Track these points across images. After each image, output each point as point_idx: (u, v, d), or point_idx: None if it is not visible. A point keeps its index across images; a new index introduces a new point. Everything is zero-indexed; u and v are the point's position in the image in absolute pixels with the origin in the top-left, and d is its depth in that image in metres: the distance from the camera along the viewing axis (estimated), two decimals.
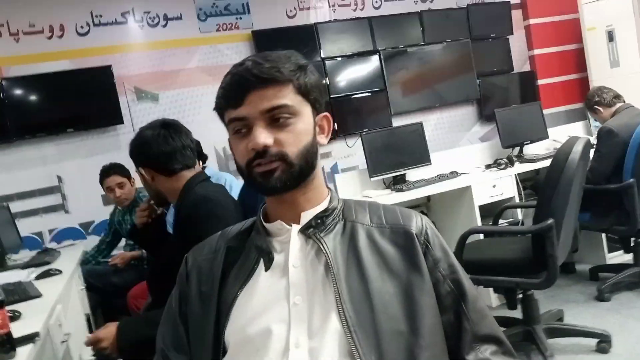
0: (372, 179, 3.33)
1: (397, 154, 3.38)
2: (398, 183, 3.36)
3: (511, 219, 3.19)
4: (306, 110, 0.88)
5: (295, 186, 0.87)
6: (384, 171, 3.35)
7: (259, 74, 0.83)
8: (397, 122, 4.63)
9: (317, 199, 0.91)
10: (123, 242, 3.56)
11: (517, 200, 3.20)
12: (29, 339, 1.42)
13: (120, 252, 3.41)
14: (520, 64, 5.26)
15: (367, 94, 4.67)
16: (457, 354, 0.86)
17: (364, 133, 3.43)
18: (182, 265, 0.98)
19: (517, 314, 2.63)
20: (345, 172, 4.31)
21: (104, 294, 3.14)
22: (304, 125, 0.87)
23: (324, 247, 0.86)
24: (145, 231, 1.84)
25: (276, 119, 0.84)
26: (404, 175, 3.43)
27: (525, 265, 2.28)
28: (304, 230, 0.88)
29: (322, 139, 0.92)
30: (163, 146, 1.59)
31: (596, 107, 3.24)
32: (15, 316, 1.65)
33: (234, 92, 0.85)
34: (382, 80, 4.69)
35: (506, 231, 2.83)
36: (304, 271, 0.86)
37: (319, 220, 0.89)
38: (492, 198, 3.13)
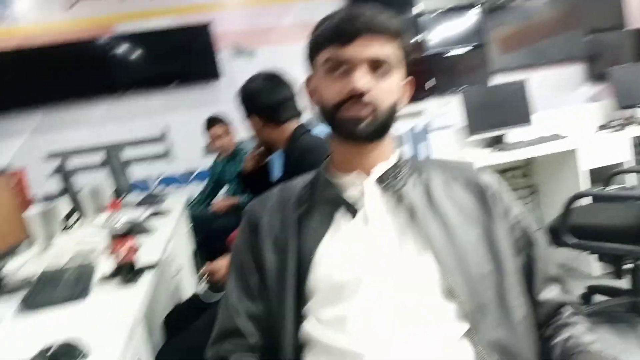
0: (469, 139, 3.22)
1: (497, 113, 3.23)
2: (497, 143, 3.23)
3: (623, 185, 2.97)
4: (400, 69, 0.89)
5: (378, 137, 0.88)
6: (482, 130, 3.22)
7: (374, 20, 0.84)
8: (496, 79, 4.42)
9: (388, 154, 0.93)
10: (224, 189, 3.75)
11: (633, 165, 2.97)
12: (151, 267, 1.55)
13: (222, 199, 3.59)
14: (635, 20, 4.77)
15: (464, 51, 4.47)
16: (530, 294, 0.89)
17: (463, 89, 3.30)
18: (245, 218, 0.98)
19: (622, 284, 2.48)
20: (438, 131, 4.20)
21: (205, 237, 3.34)
22: (396, 82, 0.89)
23: (404, 196, 0.88)
24: (250, 176, 1.93)
25: (377, 68, 0.85)
26: (501, 136, 3.29)
27: (637, 232, 2.13)
28: (380, 182, 0.90)
29: (403, 101, 0.93)
30: (272, 96, 1.68)
31: None
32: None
33: (347, 30, 0.84)
34: (481, 36, 4.46)
35: (620, 196, 2.64)
36: (386, 220, 0.87)
37: (393, 173, 0.91)
38: (601, 162, 2.92)
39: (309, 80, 0.96)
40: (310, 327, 0.84)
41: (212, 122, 3.44)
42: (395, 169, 0.91)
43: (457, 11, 4.45)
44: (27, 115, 4.00)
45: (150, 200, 3.18)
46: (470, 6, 4.44)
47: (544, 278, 0.90)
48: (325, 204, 0.91)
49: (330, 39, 0.86)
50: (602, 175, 2.82)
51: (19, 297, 1.38)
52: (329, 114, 0.88)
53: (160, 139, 4.19)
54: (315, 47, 0.89)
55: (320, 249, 0.87)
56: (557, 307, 0.90)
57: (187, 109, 4.15)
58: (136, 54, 4.08)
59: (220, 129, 3.41)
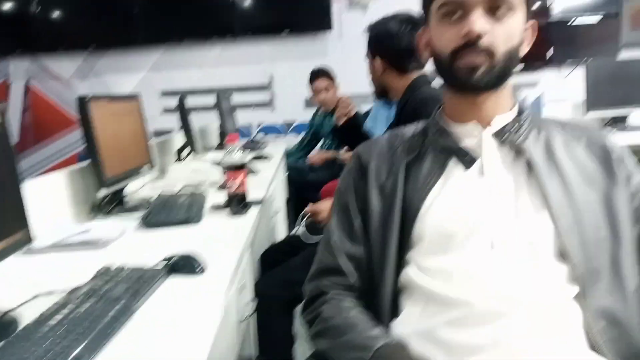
0: (587, 116, 3.00)
1: (624, 90, 2.97)
2: (616, 123, 2.98)
3: None
4: (522, 10, 0.82)
5: (495, 86, 0.83)
6: (604, 106, 2.98)
7: None
8: (625, 55, 4.03)
9: (507, 106, 0.87)
10: (321, 142, 3.81)
11: None
12: (257, 202, 1.63)
13: (318, 152, 3.66)
14: None
15: (592, 20, 4.10)
16: None
17: (589, 60, 3.06)
18: (354, 160, 0.96)
19: None
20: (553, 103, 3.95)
21: (300, 187, 3.43)
22: (518, 25, 0.82)
23: (524, 151, 0.84)
24: (345, 128, 1.92)
25: (496, 7, 0.79)
26: (625, 116, 3.03)
27: None
28: (498, 134, 0.86)
29: (524, 47, 0.86)
30: (405, 42, 1.59)
31: None
32: None
33: None
34: (616, 4, 4.06)
35: None
36: (503, 173, 0.84)
37: (514, 125, 0.86)
38: None
39: (422, 32, 0.91)
40: (412, 274, 0.84)
41: (317, 74, 3.44)
42: (515, 122, 0.86)
43: None
44: (147, 53, 4.26)
45: (252, 145, 3.30)
46: None
47: None
48: (439, 152, 0.89)
49: None
50: None
51: (138, 215, 1.50)
52: (444, 63, 0.84)
53: (265, 87, 4.30)
54: None
55: (430, 198, 0.85)
56: None
57: (293, 59, 4.21)
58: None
59: (324, 82, 3.41)
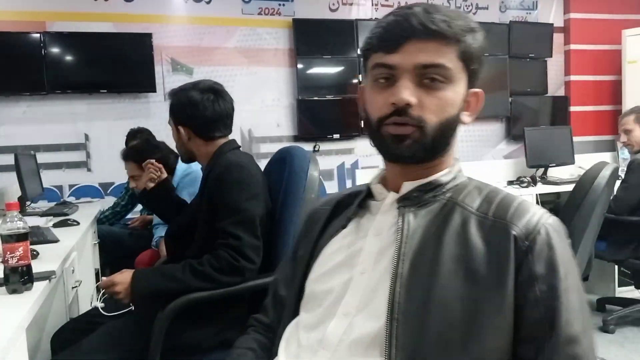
0: None
1: None
2: None
3: None
4: (461, 79, 0.77)
5: (423, 160, 0.78)
6: None
7: (425, 22, 0.73)
8: None
9: (431, 172, 0.80)
10: (139, 207, 3.61)
11: None
12: (46, 277, 1.45)
13: (141, 215, 3.46)
14: (554, 88, 5.21)
15: None
16: None
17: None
18: (305, 212, 1.05)
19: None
20: (365, 169, 4.33)
21: (114, 254, 3.19)
22: (453, 95, 0.76)
23: (400, 224, 0.77)
24: (152, 194, 1.86)
25: (427, 78, 0.74)
26: None
27: None
28: (399, 201, 0.80)
29: (466, 117, 0.80)
30: (209, 111, 1.59)
31: None
32: (33, 255, 1.69)
33: (393, 35, 0.74)
34: None
35: None
36: (380, 242, 0.79)
37: (415, 194, 0.79)
38: None
39: (362, 90, 0.85)
40: (290, 326, 0.87)
41: (135, 135, 3.31)
42: (422, 189, 0.79)
43: None
44: None
45: (60, 209, 3.00)
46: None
47: None
48: (352, 209, 0.88)
49: (378, 43, 0.77)
50: None
51: None
52: (372, 128, 0.78)
53: (79, 146, 4.00)
54: (365, 53, 0.80)
55: (320, 255, 0.87)
56: None
57: (112, 119, 4.00)
58: (67, 54, 3.91)
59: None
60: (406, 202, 0.79)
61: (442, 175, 0.80)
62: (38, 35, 3.79)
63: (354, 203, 0.88)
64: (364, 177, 3.48)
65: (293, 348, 0.82)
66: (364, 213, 0.86)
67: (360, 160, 4.62)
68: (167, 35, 4.14)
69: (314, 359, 0.77)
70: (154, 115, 4.01)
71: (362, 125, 4.50)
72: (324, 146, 4.50)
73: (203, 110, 1.59)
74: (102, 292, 1.56)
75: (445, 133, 0.77)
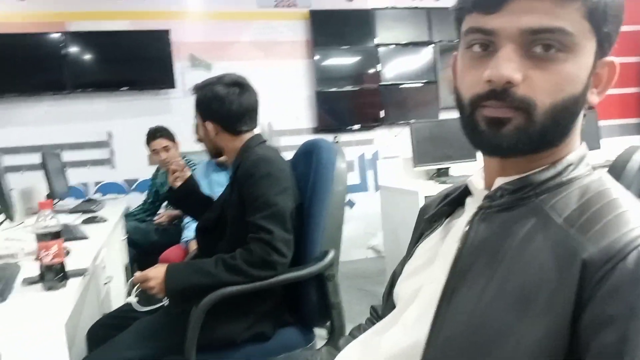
0: (415, 169, 3.30)
1: (443, 147, 3.34)
2: (441, 175, 3.33)
3: None
4: (588, 46, 0.58)
5: (532, 150, 0.61)
6: (428, 162, 3.32)
7: None
8: (444, 116, 4.57)
9: (535, 166, 0.63)
10: (165, 202, 3.64)
11: None
12: (79, 273, 1.47)
13: (166, 211, 3.49)
14: None
15: (417, 85, 4.62)
16: None
17: (412, 122, 3.40)
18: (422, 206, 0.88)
19: None
20: (386, 159, 4.30)
21: (142, 250, 3.23)
22: (577, 68, 0.58)
23: (467, 232, 0.64)
24: (179, 192, 1.86)
25: (539, 46, 0.57)
26: (447, 168, 3.39)
27: None
28: (485, 199, 0.65)
29: (594, 95, 0.62)
30: (236, 105, 1.58)
31: None
32: (65, 252, 1.71)
33: None
34: (434, 73, 4.63)
35: None
36: (448, 247, 0.67)
37: (499, 193, 0.64)
38: None
39: (454, 59, 0.68)
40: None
41: (154, 135, 3.32)
42: (509, 188, 0.63)
43: (413, 47, 4.61)
44: None
45: (87, 206, 3.04)
46: (425, 44, 4.61)
47: None
48: (449, 205, 0.76)
49: (473, 1, 0.60)
50: None
51: None
52: (465, 110, 0.62)
53: (103, 144, 4.05)
54: (458, 12, 0.64)
55: (415, 252, 0.77)
56: None
57: (134, 116, 4.04)
58: (87, 53, 3.95)
59: (162, 142, 3.29)
60: (487, 202, 0.65)
61: (541, 171, 0.62)
62: (58, 35, 3.84)
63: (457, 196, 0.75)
64: (386, 168, 3.46)
65: (355, 342, 0.80)
66: (459, 211, 0.72)
67: (381, 150, 4.60)
68: (184, 31, 4.15)
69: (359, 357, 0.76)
70: (174, 111, 4.04)
71: (382, 116, 4.48)
72: (343, 137, 4.49)
73: (229, 105, 1.58)
74: (135, 287, 1.58)
75: (561, 119, 0.59)
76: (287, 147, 3.41)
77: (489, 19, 0.58)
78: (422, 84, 4.63)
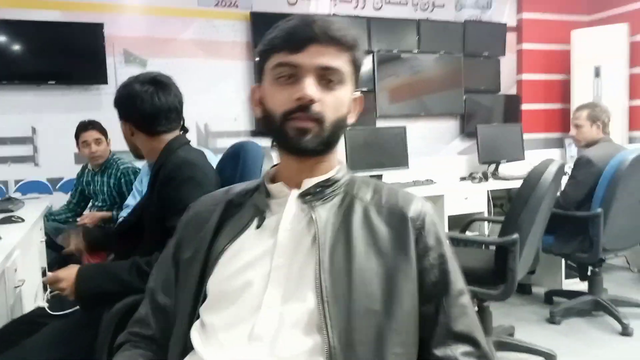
0: None
1: (377, 154, 3.42)
2: None
3: (477, 233, 3.25)
4: (350, 83, 0.88)
5: (321, 152, 0.87)
6: (361, 168, 3.37)
7: (327, 30, 0.83)
8: (380, 124, 4.66)
9: (325, 169, 0.90)
10: (91, 202, 3.50)
11: (486, 215, 3.26)
12: None
13: (90, 212, 3.35)
14: (507, 86, 5.35)
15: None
16: (427, 346, 0.83)
17: (347, 129, 3.43)
18: (185, 213, 1.00)
19: None
20: None
21: (62, 253, 3.08)
22: (346, 96, 0.87)
23: (314, 217, 0.85)
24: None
25: (326, 79, 0.84)
26: (380, 175, 3.46)
27: (485, 276, 2.33)
28: (302, 197, 0.88)
29: (351, 117, 0.91)
30: (148, 105, 1.53)
31: (596, 122, 3.13)
32: None
33: (299, 36, 0.83)
34: (372, 82, 4.71)
35: (474, 240, 2.87)
36: (292, 235, 0.86)
37: (318, 189, 0.88)
38: (462, 210, 3.19)
39: (256, 88, 0.92)
40: (193, 331, 0.84)
41: (86, 126, 3.20)
42: (323, 185, 0.89)
43: None
44: None
45: (5, 205, 2.87)
46: (365, 52, 4.69)
47: (448, 333, 0.82)
48: (250, 208, 0.92)
49: (282, 44, 0.84)
50: (459, 222, 3.07)
51: None
52: (275, 123, 0.85)
53: (26, 140, 3.83)
54: (266, 52, 0.87)
55: (227, 254, 0.87)
56: None
57: (61, 111, 3.85)
58: (13, 43, 3.72)
59: (94, 134, 3.18)
60: (310, 198, 0.88)
61: (336, 173, 0.91)
62: None
63: (249, 202, 0.93)
64: None
65: (213, 349, 0.80)
66: (264, 211, 0.90)
67: None
68: (119, 26, 4.00)
69: (248, 353, 0.78)
70: (105, 108, 3.86)
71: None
72: None
73: (141, 104, 1.53)
74: (48, 291, 1.51)
75: (338, 130, 0.86)
76: (224, 149, 3.37)
77: (295, 56, 0.83)
78: (360, 92, 4.69)
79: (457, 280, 0.86)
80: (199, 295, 0.86)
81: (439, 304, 0.83)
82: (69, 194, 3.56)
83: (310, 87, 0.82)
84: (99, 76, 3.87)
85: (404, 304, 0.80)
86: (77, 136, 3.22)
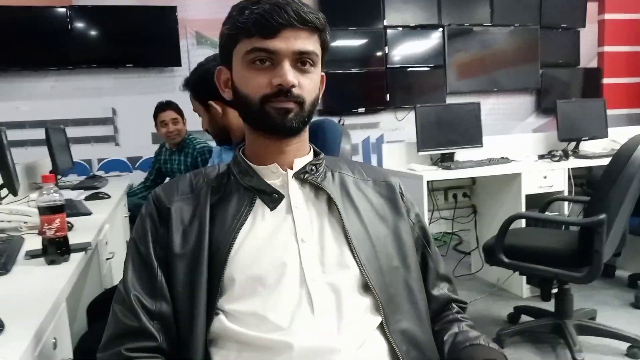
0: (419, 153, 3.28)
1: (449, 132, 3.31)
2: (446, 161, 3.31)
3: (557, 213, 3.11)
4: (320, 64, 0.90)
5: (300, 131, 0.89)
6: (433, 147, 3.30)
7: (301, 13, 0.82)
8: (450, 101, 4.53)
9: (305, 149, 0.95)
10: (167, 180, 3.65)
11: (566, 194, 3.11)
12: (82, 248, 1.47)
13: None
14: (587, 59, 5.04)
15: (424, 69, 4.58)
16: (425, 289, 0.95)
17: (418, 106, 3.37)
18: (150, 205, 0.90)
19: (548, 306, 2.62)
20: (391, 144, 4.28)
21: None
22: (318, 77, 0.90)
23: (325, 188, 0.90)
24: None
25: (302, 62, 0.85)
26: (452, 153, 3.37)
27: (568, 257, 2.23)
28: (298, 175, 0.90)
29: (319, 95, 0.94)
30: None
31: None
32: (68, 227, 1.71)
33: (271, 22, 0.81)
34: (442, 57, 4.58)
35: (557, 221, 2.75)
36: (307, 211, 0.89)
37: (312, 167, 0.92)
38: (541, 189, 3.05)
39: (221, 71, 0.93)
40: (223, 323, 0.80)
41: (163, 107, 3.31)
42: (315, 163, 0.93)
43: (421, 30, 4.55)
44: None
45: (91, 182, 3.05)
46: (434, 27, 4.56)
47: (437, 275, 0.98)
48: (244, 192, 0.89)
49: (254, 29, 0.82)
50: (537, 202, 2.95)
51: None
52: (253, 106, 0.86)
53: (107, 121, 4.04)
54: (235, 37, 0.86)
55: (239, 239, 0.84)
56: (446, 303, 0.98)
57: (139, 93, 4.02)
58: (93, 29, 3.92)
59: (171, 114, 3.28)
60: (307, 176, 0.91)
61: (316, 153, 0.97)
62: (64, 9, 3.80)
63: (234, 186, 0.91)
64: (390, 152, 3.44)
65: (266, 330, 0.78)
66: (275, 192, 0.89)
67: (386, 134, 4.57)
68: (191, 8, 4.10)
69: (318, 325, 0.79)
70: (179, 89, 4.01)
71: (387, 99, 4.45)
72: (348, 120, 4.46)
73: None
74: None
75: (313, 109, 0.89)
76: None
77: (270, 42, 0.82)
78: (430, 68, 4.58)
79: (430, 234, 1.01)
80: (214, 288, 0.81)
81: (426, 253, 0.98)
82: (147, 171, 3.72)
83: (289, 73, 0.83)
84: (172, 58, 4.00)
85: (412, 256, 0.92)
86: (155, 116, 3.34)
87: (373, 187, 0.97)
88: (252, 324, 0.79)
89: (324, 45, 0.89)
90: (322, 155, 0.97)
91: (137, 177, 3.86)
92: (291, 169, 0.91)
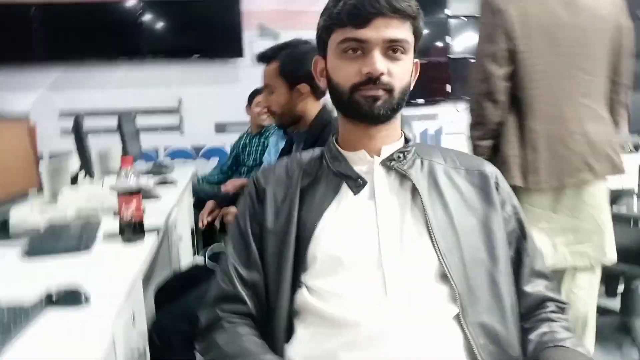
0: None
1: None
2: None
3: (624, 207, 2.97)
4: (412, 51, 0.90)
5: (390, 118, 0.90)
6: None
7: (392, 1, 0.84)
8: None
9: (396, 136, 0.95)
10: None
11: (636, 190, 2.96)
12: (155, 229, 1.56)
13: (232, 179, 3.58)
14: None
15: None
16: (516, 285, 0.92)
17: None
18: (251, 186, 0.99)
19: (612, 303, 2.56)
20: (449, 135, 4.22)
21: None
22: (409, 64, 0.90)
23: (409, 177, 0.90)
24: None
25: (393, 50, 0.86)
26: None
27: (637, 254, 2.14)
28: (385, 163, 0.92)
29: (412, 83, 0.94)
30: None
31: None
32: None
33: (363, 11, 0.84)
34: None
35: (627, 216, 2.63)
36: (391, 199, 0.90)
37: (400, 155, 0.92)
38: (610, 184, 2.91)
39: (317, 60, 0.97)
40: (305, 296, 0.86)
41: (260, 90, 3.36)
42: (401, 152, 0.93)
43: None
44: (46, 71, 4.02)
45: (159, 169, 3.19)
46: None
47: (531, 271, 0.93)
48: (332, 177, 0.93)
49: (347, 19, 0.85)
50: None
51: (22, 243, 1.39)
52: (344, 95, 0.89)
53: (173, 110, 4.21)
54: (330, 27, 0.89)
55: (323, 220, 0.89)
56: (541, 302, 0.92)
57: (203, 83, 4.16)
58: (161, 21, 4.10)
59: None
60: (394, 163, 0.92)
61: (407, 140, 0.96)
62: (135, 2, 4.00)
63: (324, 170, 0.95)
64: (449, 144, 3.39)
65: (339, 308, 0.82)
66: (359, 178, 0.92)
67: (445, 126, 4.50)
68: (254, 0, 4.18)
69: (390, 307, 0.81)
70: (242, 80, 4.11)
71: (448, 90, 4.37)
72: (406, 111, 4.27)
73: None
74: (209, 247, 1.65)
75: (404, 96, 0.89)
76: None
77: (361, 31, 0.85)
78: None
79: (528, 227, 0.97)
80: (298, 264, 0.88)
81: (521, 248, 0.94)
82: (210, 160, 3.82)
83: (379, 61, 0.84)
84: (236, 49, 4.11)
85: (502, 249, 0.89)
86: (252, 98, 3.42)
87: (465, 176, 0.95)
88: (329, 301, 0.83)
89: (417, 32, 0.89)
90: (412, 142, 0.97)
91: (201, 165, 4.00)
92: (379, 155, 0.92)
